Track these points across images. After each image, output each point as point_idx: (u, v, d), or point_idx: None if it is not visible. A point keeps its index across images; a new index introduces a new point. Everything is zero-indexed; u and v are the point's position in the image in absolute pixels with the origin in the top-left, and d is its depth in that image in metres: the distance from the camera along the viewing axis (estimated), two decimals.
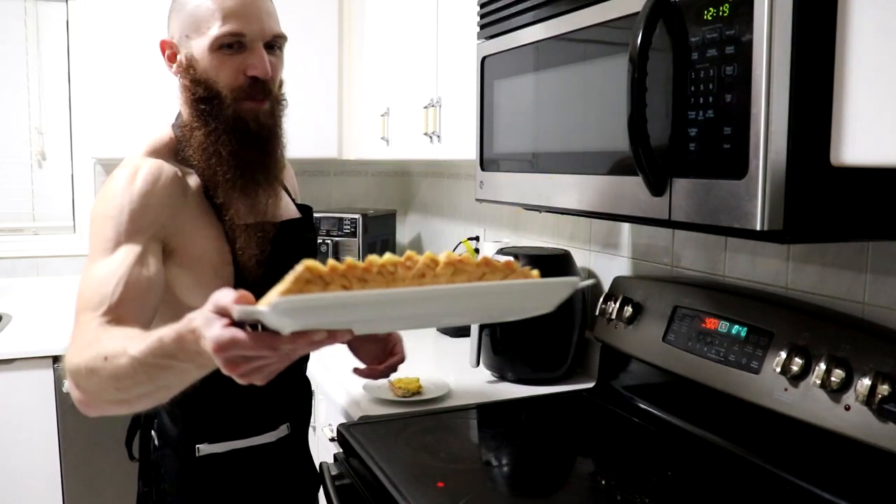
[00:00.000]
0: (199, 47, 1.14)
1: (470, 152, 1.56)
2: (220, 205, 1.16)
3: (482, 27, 1.44)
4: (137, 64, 2.42)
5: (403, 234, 3.19)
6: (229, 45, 1.13)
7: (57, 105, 2.76)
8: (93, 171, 2.79)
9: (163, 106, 2.45)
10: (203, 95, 1.14)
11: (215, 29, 1.11)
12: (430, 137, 1.96)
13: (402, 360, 1.33)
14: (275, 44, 1.19)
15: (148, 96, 2.44)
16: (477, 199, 1.50)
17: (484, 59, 1.44)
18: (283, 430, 1.32)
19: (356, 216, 2.60)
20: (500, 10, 1.36)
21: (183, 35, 1.16)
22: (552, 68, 1.22)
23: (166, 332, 0.83)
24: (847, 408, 1.03)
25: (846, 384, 1.04)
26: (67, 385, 1.01)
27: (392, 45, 2.28)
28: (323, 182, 3.11)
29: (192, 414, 1.24)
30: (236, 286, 0.92)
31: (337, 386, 1.73)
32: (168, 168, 1.13)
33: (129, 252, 1.06)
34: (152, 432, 1.28)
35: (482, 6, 1.43)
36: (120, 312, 1.01)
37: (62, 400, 2.14)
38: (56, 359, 2.14)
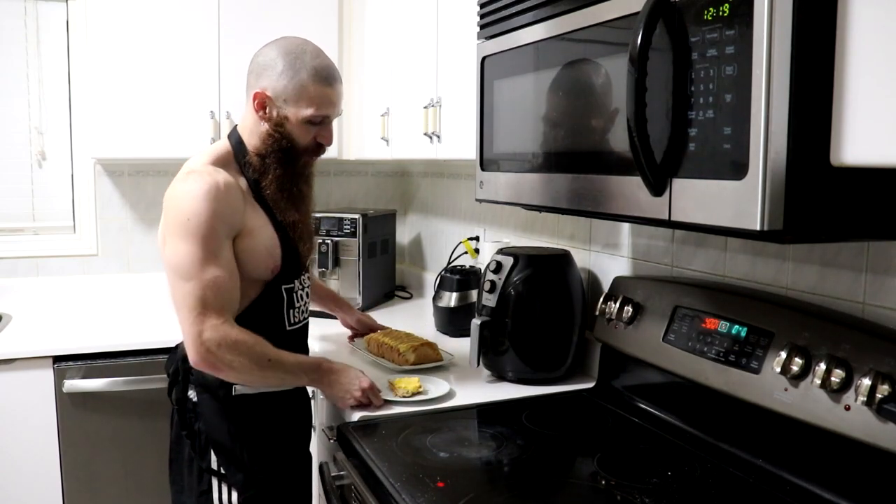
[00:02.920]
0: (293, 114, 1.51)
1: (470, 152, 1.56)
2: (271, 207, 1.55)
3: (482, 27, 1.44)
4: (137, 64, 2.42)
5: (403, 234, 3.19)
6: (317, 123, 1.54)
7: (57, 105, 2.76)
8: (93, 171, 2.79)
9: (162, 106, 2.47)
10: (286, 147, 1.53)
11: (313, 110, 1.51)
12: (430, 137, 1.96)
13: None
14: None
15: (148, 96, 2.44)
16: (477, 199, 1.50)
17: (484, 59, 1.44)
18: None
19: (356, 216, 2.60)
20: (500, 10, 1.36)
21: (281, 98, 1.51)
22: (552, 68, 1.22)
23: (320, 361, 1.59)
24: (847, 408, 1.03)
25: (846, 384, 1.04)
26: (200, 345, 1.42)
27: (392, 45, 2.28)
28: (323, 182, 3.11)
29: None
30: (285, 261, 1.56)
31: None
32: (231, 179, 1.48)
33: (229, 256, 1.46)
34: (189, 385, 1.57)
35: (482, 6, 1.43)
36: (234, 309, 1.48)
37: (62, 400, 2.14)
38: (56, 359, 2.14)
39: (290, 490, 1.63)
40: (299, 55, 1.51)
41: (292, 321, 1.62)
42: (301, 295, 1.64)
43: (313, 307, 1.87)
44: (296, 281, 1.61)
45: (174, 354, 1.61)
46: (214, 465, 1.54)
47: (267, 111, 1.51)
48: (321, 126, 1.55)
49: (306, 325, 1.71)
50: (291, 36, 1.57)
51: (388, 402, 1.57)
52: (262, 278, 1.54)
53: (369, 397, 1.53)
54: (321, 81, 1.51)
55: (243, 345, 1.44)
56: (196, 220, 1.42)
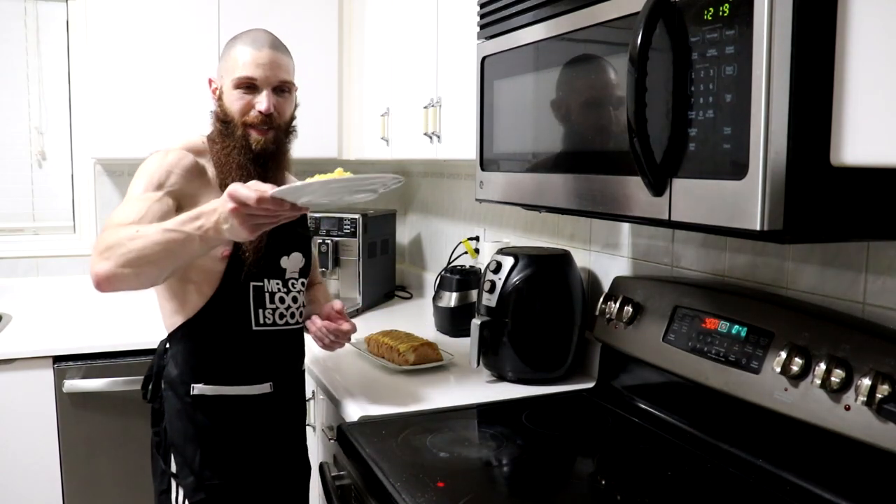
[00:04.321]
0: (226, 84, 1.51)
1: (470, 152, 1.56)
2: None
3: (482, 27, 1.44)
4: (137, 64, 2.42)
5: (403, 234, 3.19)
6: (245, 87, 1.48)
7: (57, 105, 2.76)
8: (93, 171, 2.79)
9: (162, 106, 2.47)
10: (223, 119, 1.51)
11: (236, 73, 1.48)
12: (430, 137, 1.96)
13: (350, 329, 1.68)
14: (284, 88, 1.52)
15: (148, 96, 2.44)
16: (477, 199, 1.50)
17: (484, 59, 1.44)
18: (265, 388, 1.56)
19: (356, 216, 2.60)
20: (500, 10, 1.36)
21: (219, 76, 1.55)
22: (552, 68, 1.22)
23: (188, 212, 1.26)
24: (847, 408, 1.03)
25: (846, 384, 1.04)
26: (92, 263, 1.28)
27: (392, 46, 2.28)
28: None
29: (193, 359, 1.52)
30: (231, 265, 1.48)
31: (337, 385, 1.73)
32: (190, 155, 1.49)
33: (152, 195, 1.40)
34: (161, 380, 1.55)
35: (482, 6, 1.43)
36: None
37: (62, 400, 2.14)
38: (56, 359, 2.14)
39: (247, 499, 1.55)
40: (239, 35, 1.53)
41: (261, 321, 1.54)
42: (281, 298, 1.57)
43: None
44: (270, 280, 1.54)
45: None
46: (173, 467, 1.52)
47: (214, 92, 1.54)
48: (254, 92, 1.49)
49: (293, 333, 1.61)
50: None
51: (387, 403, 1.57)
52: (214, 268, 1.48)
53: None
54: (247, 44, 1.49)
55: (110, 237, 1.27)
56: (131, 186, 1.42)
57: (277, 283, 1.57)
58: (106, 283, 1.26)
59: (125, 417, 2.20)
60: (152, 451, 1.61)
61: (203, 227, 1.22)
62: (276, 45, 1.52)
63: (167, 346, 1.56)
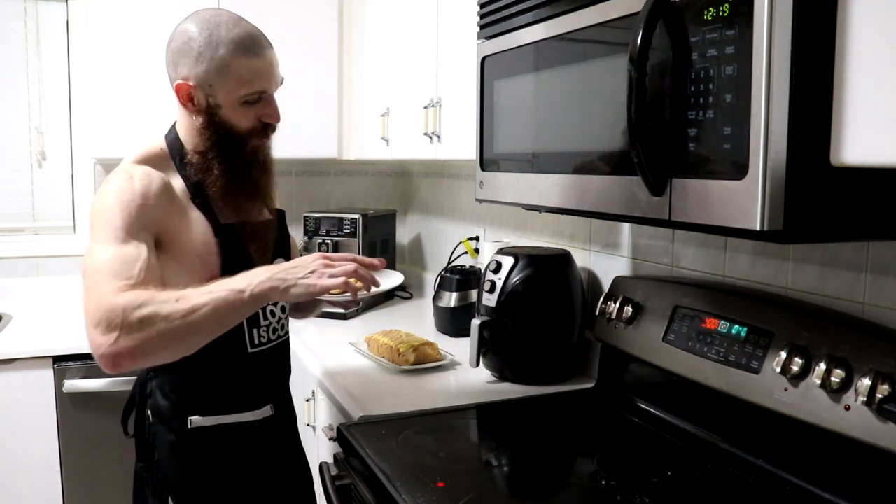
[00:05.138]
0: (225, 99, 1.32)
1: (470, 152, 1.56)
2: (210, 208, 1.35)
3: (482, 27, 1.44)
4: (137, 64, 2.42)
5: (403, 234, 3.19)
6: (254, 102, 1.34)
7: (57, 105, 2.76)
8: (93, 171, 2.79)
9: (162, 106, 2.45)
10: (225, 136, 1.34)
11: (244, 90, 1.32)
12: (430, 137, 1.96)
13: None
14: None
15: (148, 96, 2.43)
16: (477, 199, 1.50)
17: (484, 59, 1.44)
18: (266, 411, 1.46)
19: (356, 216, 2.60)
20: (500, 10, 1.36)
21: (206, 83, 1.32)
22: (552, 68, 1.22)
23: (230, 279, 1.20)
24: (847, 408, 1.03)
25: (846, 384, 1.04)
26: (98, 338, 1.12)
27: (392, 45, 2.28)
28: (323, 182, 3.11)
29: (186, 389, 1.39)
30: (228, 268, 1.31)
31: (337, 385, 1.73)
32: (156, 174, 1.30)
33: (143, 245, 1.23)
34: (147, 411, 1.42)
35: (482, 6, 1.43)
36: (139, 290, 1.16)
37: (62, 400, 2.14)
38: (56, 359, 2.14)
39: None
40: (213, 29, 1.30)
41: (255, 342, 1.42)
42: (272, 311, 1.45)
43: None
44: None
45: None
46: None
47: (196, 102, 1.33)
48: (261, 103, 1.35)
49: (283, 345, 1.51)
50: (204, 8, 1.38)
51: (388, 401, 1.57)
52: None
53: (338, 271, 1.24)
54: (245, 53, 1.30)
55: (145, 308, 1.12)
56: (102, 216, 1.23)
57: None
58: (128, 362, 1.11)
59: (122, 412, 2.20)
60: (135, 486, 1.47)
61: (268, 281, 1.19)
62: (268, 41, 1.37)
63: (149, 374, 1.42)
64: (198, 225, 1.33)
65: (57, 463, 2.16)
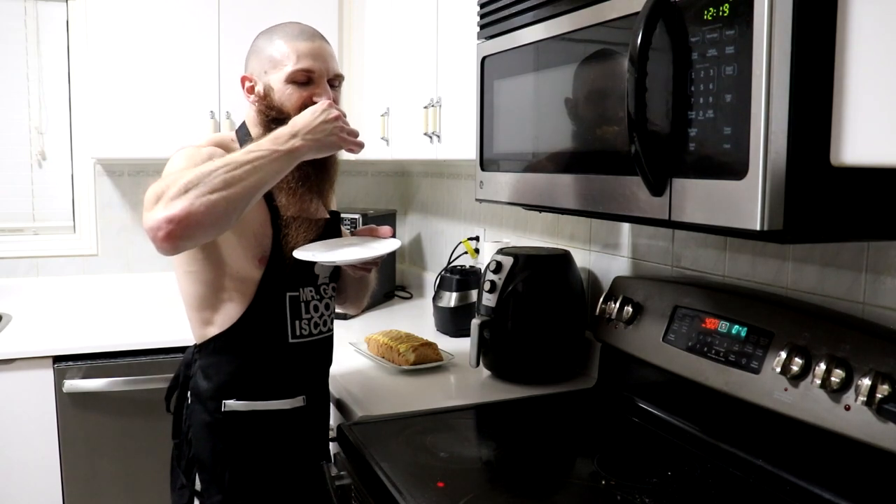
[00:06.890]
0: (276, 79, 1.42)
1: (470, 152, 1.56)
2: (271, 195, 1.41)
3: (482, 27, 1.44)
4: (137, 64, 2.42)
5: (403, 234, 3.19)
6: (301, 81, 1.41)
7: (57, 105, 2.76)
8: (93, 171, 2.79)
9: (162, 106, 2.47)
10: (276, 117, 1.40)
11: (290, 66, 1.40)
12: (430, 137, 1.96)
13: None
14: (335, 82, 1.46)
15: (148, 96, 2.44)
16: (477, 199, 1.50)
17: (484, 59, 1.44)
18: (298, 401, 1.50)
19: (356, 216, 2.60)
20: (500, 10, 1.36)
21: (262, 71, 1.44)
22: (552, 68, 1.22)
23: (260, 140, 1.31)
24: (847, 408, 1.03)
25: (846, 384, 1.04)
26: (149, 220, 1.19)
27: (392, 45, 2.28)
28: None
29: (225, 373, 1.45)
30: (268, 272, 1.42)
31: (337, 385, 1.73)
32: (222, 152, 1.37)
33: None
34: (188, 392, 1.49)
35: (482, 6, 1.43)
36: None
37: (62, 400, 2.14)
38: (56, 359, 2.14)
39: None
40: (274, 28, 1.46)
41: (297, 333, 1.48)
42: (315, 306, 1.51)
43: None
44: (304, 289, 1.48)
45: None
46: (197, 484, 1.46)
47: (255, 91, 1.45)
48: (312, 85, 1.42)
49: (326, 341, 1.57)
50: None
51: (388, 399, 1.57)
52: (250, 276, 1.42)
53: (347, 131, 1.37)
54: (296, 38, 1.42)
55: (189, 180, 1.20)
56: (173, 163, 1.34)
57: (311, 291, 1.50)
58: (181, 227, 1.16)
59: (125, 417, 2.20)
60: (172, 463, 1.55)
61: (295, 136, 1.28)
62: (324, 37, 1.46)
63: (194, 356, 1.49)
64: (257, 205, 1.38)
65: (57, 463, 2.16)
